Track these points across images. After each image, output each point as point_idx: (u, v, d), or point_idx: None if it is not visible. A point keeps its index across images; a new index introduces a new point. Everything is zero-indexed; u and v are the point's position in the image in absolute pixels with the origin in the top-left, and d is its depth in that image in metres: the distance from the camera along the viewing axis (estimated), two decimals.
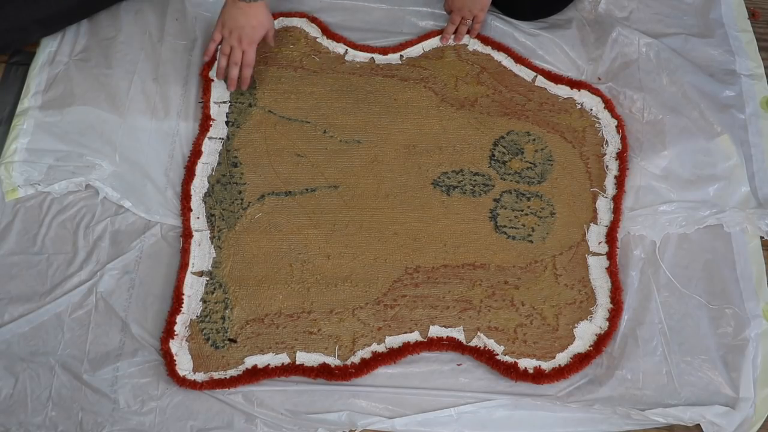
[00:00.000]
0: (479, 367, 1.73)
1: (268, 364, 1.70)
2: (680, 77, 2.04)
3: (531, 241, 1.85)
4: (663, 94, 2.03)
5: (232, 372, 1.70)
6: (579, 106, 2.02)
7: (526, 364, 1.72)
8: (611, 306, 1.77)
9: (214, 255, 1.82)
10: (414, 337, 1.74)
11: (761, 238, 1.88)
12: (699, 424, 1.68)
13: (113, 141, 1.93)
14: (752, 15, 2.20)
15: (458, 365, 1.74)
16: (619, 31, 2.11)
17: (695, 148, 1.95)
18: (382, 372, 1.72)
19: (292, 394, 1.69)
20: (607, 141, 1.97)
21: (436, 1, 2.16)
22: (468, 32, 2.11)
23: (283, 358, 1.71)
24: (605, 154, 1.96)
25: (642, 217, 1.86)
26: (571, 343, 1.74)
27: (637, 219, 1.86)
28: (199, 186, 1.90)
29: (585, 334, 1.75)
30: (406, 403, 1.69)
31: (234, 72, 1.95)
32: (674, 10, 2.20)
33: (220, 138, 1.96)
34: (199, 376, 1.69)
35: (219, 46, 1.99)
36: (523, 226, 1.87)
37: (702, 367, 1.72)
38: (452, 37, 2.10)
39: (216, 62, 2.02)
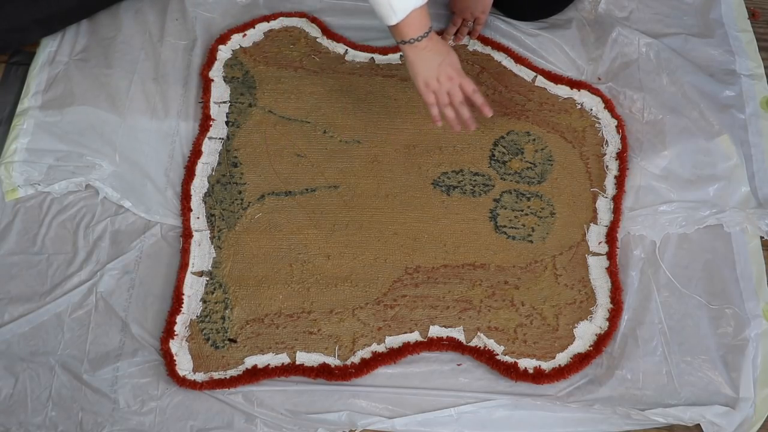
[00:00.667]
0: (479, 367, 1.73)
1: (268, 364, 1.71)
2: (680, 77, 2.04)
3: (531, 241, 1.85)
4: (663, 94, 2.03)
5: (232, 372, 1.70)
6: (579, 106, 2.02)
7: (526, 364, 1.72)
8: (611, 306, 1.77)
9: (214, 255, 1.82)
10: (414, 337, 1.74)
11: (761, 238, 1.87)
12: (699, 424, 1.68)
13: (113, 141, 1.94)
14: (752, 15, 2.20)
15: (458, 365, 1.74)
16: (619, 31, 2.11)
17: (695, 148, 1.95)
18: (382, 372, 1.72)
19: (292, 394, 1.69)
20: (607, 141, 1.97)
21: (435, 1, 2.16)
22: (469, 33, 2.11)
23: (283, 358, 1.72)
24: (605, 154, 1.96)
25: (642, 217, 1.86)
26: (571, 343, 1.74)
27: (637, 219, 1.86)
28: (199, 186, 1.90)
29: (585, 334, 1.75)
30: (406, 403, 1.69)
31: (466, 111, 1.80)
32: (674, 10, 2.20)
33: (220, 138, 1.96)
34: (199, 376, 1.69)
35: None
36: (523, 226, 1.87)
37: (702, 367, 1.72)
38: (452, 37, 2.10)
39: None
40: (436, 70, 1.73)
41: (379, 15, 1.66)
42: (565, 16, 2.17)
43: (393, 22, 1.64)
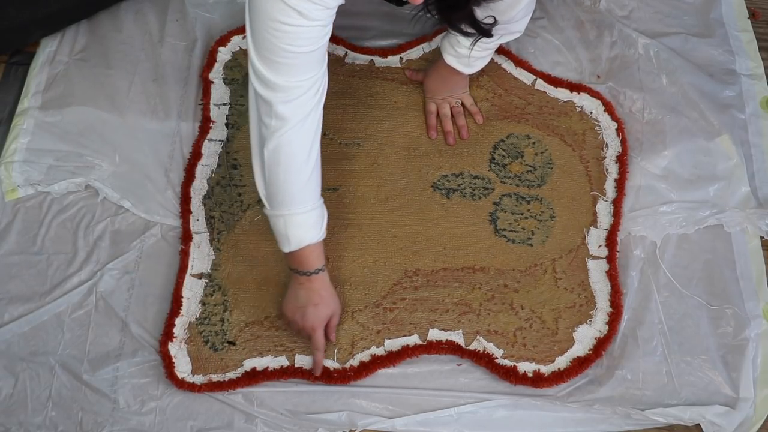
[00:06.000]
0: (479, 367, 1.73)
1: (267, 367, 1.71)
2: (680, 77, 2.03)
3: (531, 245, 1.85)
4: (663, 94, 2.02)
5: (231, 374, 1.70)
6: (579, 109, 2.01)
7: (526, 367, 1.72)
8: (611, 310, 1.77)
9: (214, 257, 1.82)
10: (413, 340, 1.74)
11: (761, 238, 1.87)
12: (699, 424, 1.68)
13: (113, 141, 1.94)
14: (752, 15, 2.20)
15: (458, 365, 1.74)
16: (619, 31, 2.11)
17: (695, 148, 1.95)
18: (382, 372, 1.72)
19: (292, 395, 1.70)
20: (607, 144, 1.97)
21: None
22: (460, 134, 2.00)
23: (282, 361, 1.72)
24: (605, 157, 1.95)
25: (642, 218, 1.86)
26: (571, 347, 1.74)
27: (638, 219, 1.86)
28: (198, 188, 1.90)
29: (584, 338, 1.75)
30: (406, 403, 1.69)
31: (318, 357, 1.71)
32: (674, 10, 2.20)
33: (219, 140, 1.95)
34: (198, 379, 1.70)
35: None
36: (523, 229, 1.86)
37: (702, 367, 1.72)
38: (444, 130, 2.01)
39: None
40: (295, 309, 1.69)
41: (275, 237, 1.64)
42: (565, 15, 2.17)
43: (286, 249, 1.62)
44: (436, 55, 1.96)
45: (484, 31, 1.57)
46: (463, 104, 2.01)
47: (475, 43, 1.69)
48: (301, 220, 1.59)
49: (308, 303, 1.66)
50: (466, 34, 1.57)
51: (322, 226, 1.63)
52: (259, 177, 1.58)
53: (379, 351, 1.73)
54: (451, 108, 1.99)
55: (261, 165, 1.56)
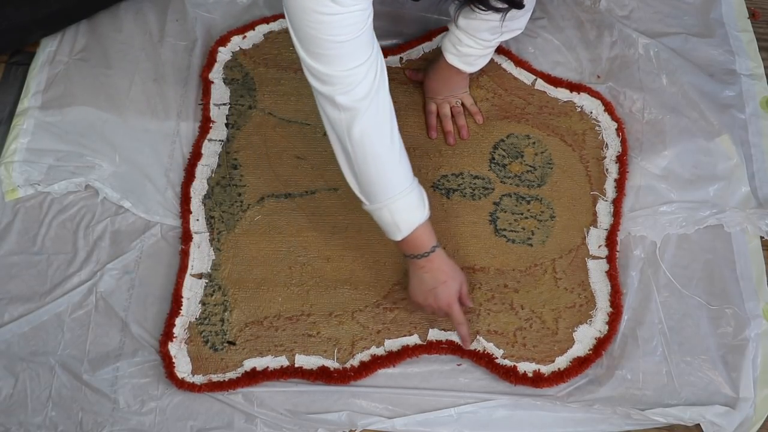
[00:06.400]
0: (479, 367, 1.73)
1: (267, 367, 1.71)
2: (680, 77, 2.03)
3: (531, 245, 1.85)
4: (663, 94, 2.02)
5: (231, 375, 1.70)
6: (579, 109, 2.01)
7: (526, 367, 1.72)
8: (611, 310, 1.77)
9: (214, 257, 1.82)
10: (413, 340, 1.74)
11: (761, 238, 1.87)
12: (699, 424, 1.68)
13: (113, 141, 1.94)
14: (752, 15, 2.20)
15: (458, 365, 1.74)
16: (619, 31, 2.11)
17: (695, 148, 1.95)
18: (382, 372, 1.72)
19: (292, 394, 1.70)
20: (607, 144, 1.96)
21: (435, 1, 2.15)
22: (460, 134, 2.00)
23: (282, 361, 1.72)
24: (605, 157, 1.95)
25: (642, 218, 1.86)
26: (571, 347, 1.74)
27: (638, 219, 1.86)
28: (198, 188, 1.89)
29: (584, 338, 1.75)
30: (406, 403, 1.69)
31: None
32: (675, 10, 2.19)
33: (219, 140, 1.95)
34: (198, 379, 1.69)
35: None
36: (523, 229, 1.86)
37: (702, 367, 1.72)
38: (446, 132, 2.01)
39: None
40: (425, 293, 1.68)
41: (383, 230, 1.63)
42: (565, 15, 2.17)
43: (398, 237, 1.60)
44: (436, 55, 1.96)
45: (515, 2, 1.54)
46: (463, 104, 2.01)
47: (504, 18, 1.61)
48: (405, 203, 1.57)
49: (437, 284, 1.65)
50: (497, 9, 1.54)
51: (425, 203, 1.60)
52: (349, 174, 1.56)
53: (379, 351, 1.73)
54: (451, 108, 1.99)
55: (348, 162, 1.54)
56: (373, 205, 1.56)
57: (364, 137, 1.48)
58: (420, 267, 1.65)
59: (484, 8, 1.53)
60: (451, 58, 1.86)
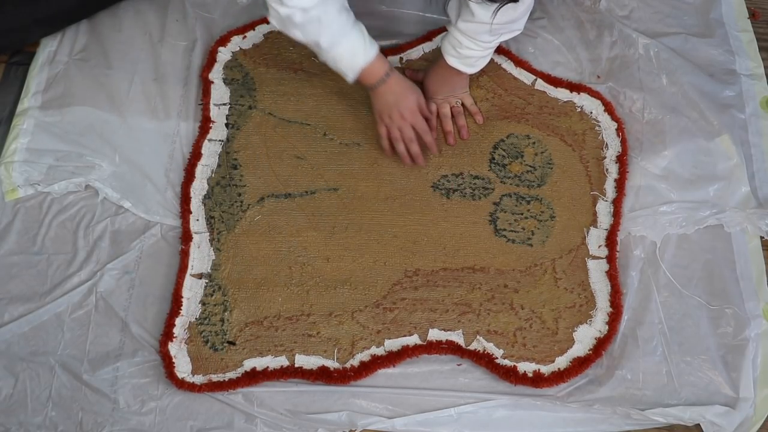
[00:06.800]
0: (479, 367, 1.73)
1: (267, 367, 1.71)
2: (680, 77, 2.03)
3: (531, 245, 1.84)
4: (663, 94, 2.02)
5: (231, 375, 1.70)
6: (579, 109, 2.01)
7: (526, 367, 1.72)
8: (611, 310, 1.77)
9: (214, 257, 1.82)
10: (413, 340, 1.74)
11: (761, 238, 1.87)
12: (699, 424, 1.68)
13: (113, 141, 1.94)
14: (752, 15, 2.20)
15: (458, 365, 1.74)
16: (619, 31, 2.11)
17: (695, 148, 1.94)
18: (382, 372, 1.72)
19: (292, 394, 1.70)
20: (607, 144, 1.96)
21: (435, 1, 2.15)
22: (460, 134, 2.01)
23: (282, 361, 1.72)
24: (605, 157, 1.95)
25: (642, 218, 1.86)
26: (571, 347, 1.74)
27: (638, 219, 1.86)
28: (198, 188, 1.89)
29: (584, 338, 1.75)
30: (406, 403, 1.69)
31: (415, 147, 1.91)
32: (674, 10, 2.19)
33: (219, 140, 1.95)
34: (198, 379, 1.70)
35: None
36: (523, 229, 1.86)
37: (702, 367, 1.72)
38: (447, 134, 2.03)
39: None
40: (390, 108, 1.86)
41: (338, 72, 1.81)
42: (565, 15, 2.17)
43: (350, 80, 1.81)
44: (436, 55, 1.96)
45: None
46: (463, 104, 2.01)
47: (498, 10, 1.66)
48: (343, 51, 1.76)
49: (398, 99, 1.85)
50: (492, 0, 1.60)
51: (365, 43, 1.79)
52: (301, 39, 1.73)
53: (379, 351, 1.73)
54: (451, 108, 1.99)
55: (300, 30, 1.71)
56: (320, 59, 1.80)
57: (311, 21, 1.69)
58: (380, 92, 1.85)
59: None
60: (451, 60, 1.86)
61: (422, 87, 1.99)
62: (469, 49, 1.80)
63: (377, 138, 1.92)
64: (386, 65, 1.83)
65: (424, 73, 2.01)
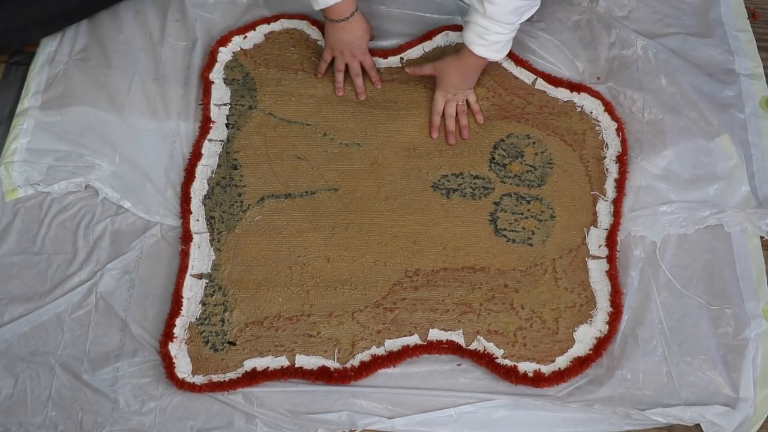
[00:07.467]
0: (479, 367, 1.73)
1: (267, 367, 1.71)
2: (680, 77, 2.03)
3: (531, 245, 1.84)
4: (663, 94, 2.02)
5: (231, 375, 1.70)
6: (579, 109, 2.01)
7: (526, 367, 1.72)
8: (611, 309, 1.77)
9: (214, 257, 1.82)
10: (413, 340, 1.74)
11: (761, 238, 1.87)
12: (699, 424, 1.68)
13: (113, 141, 1.93)
14: (752, 15, 2.20)
15: (458, 365, 1.74)
16: (618, 31, 2.11)
17: (695, 148, 1.94)
18: (382, 372, 1.72)
19: (292, 394, 1.70)
20: (607, 144, 1.96)
21: (435, 1, 2.16)
22: (461, 134, 2.01)
23: (282, 361, 1.72)
24: (605, 157, 1.95)
25: (642, 218, 1.86)
26: (571, 347, 1.74)
27: (638, 219, 1.86)
28: (198, 188, 1.89)
29: (585, 338, 1.75)
30: (406, 403, 1.69)
31: (360, 81, 2.02)
32: (674, 10, 2.19)
33: (220, 140, 1.95)
34: (198, 379, 1.69)
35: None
36: (523, 229, 1.86)
37: (702, 367, 1.72)
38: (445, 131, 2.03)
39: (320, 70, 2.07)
40: (342, 45, 1.98)
41: None
42: (564, 16, 2.17)
43: (317, 8, 1.89)
44: (437, 54, 1.97)
45: None
46: (467, 101, 2.01)
47: None
48: None
49: (353, 39, 1.97)
50: None
51: None
52: None
53: (379, 351, 1.73)
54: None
55: None
56: None
57: None
58: (340, 28, 1.94)
59: None
60: (479, 49, 1.84)
61: (435, 80, 1.99)
62: (497, 33, 1.79)
63: (321, 61, 2.06)
64: (353, 5, 1.92)
65: (433, 67, 1.99)
